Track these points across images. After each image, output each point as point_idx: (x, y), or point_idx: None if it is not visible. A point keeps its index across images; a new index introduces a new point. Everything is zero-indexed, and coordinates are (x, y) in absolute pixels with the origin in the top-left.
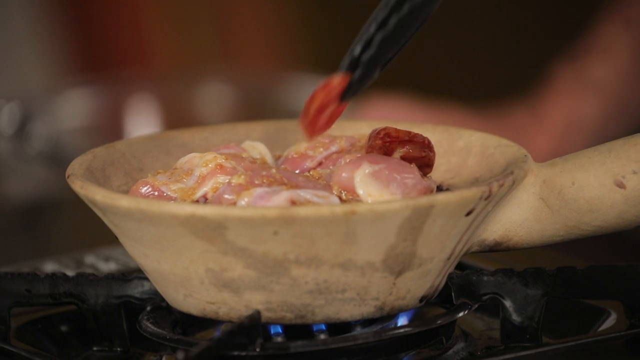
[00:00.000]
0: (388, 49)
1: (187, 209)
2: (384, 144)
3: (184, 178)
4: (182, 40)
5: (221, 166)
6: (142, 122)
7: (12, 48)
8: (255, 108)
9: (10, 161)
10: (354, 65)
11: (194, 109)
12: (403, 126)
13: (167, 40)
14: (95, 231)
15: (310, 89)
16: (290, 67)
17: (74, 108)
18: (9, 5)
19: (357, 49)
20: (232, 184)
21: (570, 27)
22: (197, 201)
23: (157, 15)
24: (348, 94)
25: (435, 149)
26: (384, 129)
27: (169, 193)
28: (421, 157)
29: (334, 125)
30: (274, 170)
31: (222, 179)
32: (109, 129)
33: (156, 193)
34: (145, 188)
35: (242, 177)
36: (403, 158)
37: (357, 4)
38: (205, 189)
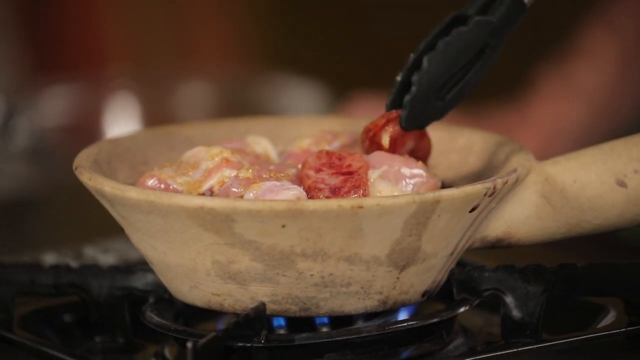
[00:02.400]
0: (439, 69)
1: (196, 201)
2: (369, 139)
3: (190, 171)
4: (139, 40)
5: (227, 160)
6: (122, 119)
7: None
8: (233, 107)
9: None
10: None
11: (174, 107)
12: None
13: (123, 41)
14: (81, 225)
15: (286, 89)
16: (246, 65)
17: (55, 105)
18: None
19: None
20: (240, 178)
21: (556, 31)
22: (203, 194)
23: (114, 15)
24: (403, 117)
25: (436, 146)
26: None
27: (175, 186)
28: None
29: (335, 122)
30: (272, 167)
31: (228, 172)
32: (89, 126)
33: (162, 186)
34: (152, 181)
35: (250, 171)
36: (393, 137)
37: (315, 6)
38: (212, 182)
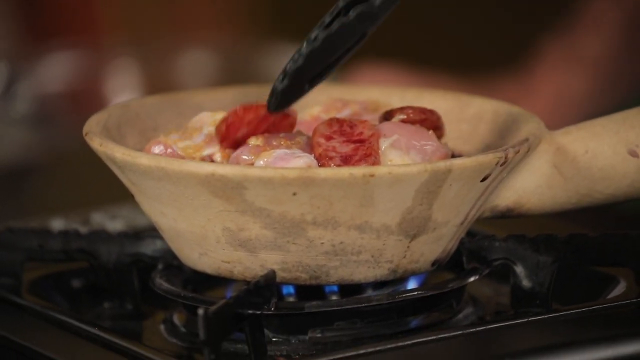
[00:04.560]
0: (315, 63)
1: (207, 168)
2: (385, 114)
3: (193, 135)
4: (140, 7)
5: None
6: (123, 87)
7: None
8: (234, 74)
9: None
10: (283, 77)
11: (174, 74)
12: (412, 92)
13: (124, 8)
14: (88, 192)
15: (288, 57)
16: (248, 32)
17: (56, 71)
18: None
19: (287, 64)
20: (250, 145)
21: (560, 1)
22: (203, 159)
23: None
24: (272, 103)
25: (447, 116)
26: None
27: (178, 151)
28: (422, 120)
29: (345, 90)
30: (282, 134)
31: None
32: (91, 93)
33: (169, 151)
34: (158, 147)
35: (260, 139)
36: (404, 121)
37: None
38: (212, 150)
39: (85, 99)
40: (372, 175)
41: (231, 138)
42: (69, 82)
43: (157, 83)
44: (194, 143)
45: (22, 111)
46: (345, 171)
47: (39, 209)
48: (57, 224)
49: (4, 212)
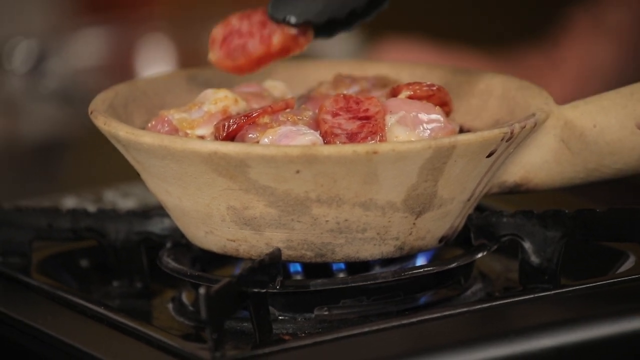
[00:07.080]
0: None
1: (210, 146)
2: (392, 91)
3: (192, 109)
4: None
5: (225, 111)
6: (154, 62)
7: None
8: None
9: (23, 99)
10: None
11: (204, 49)
12: (422, 68)
13: None
14: (108, 169)
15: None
16: None
17: (87, 47)
18: None
19: None
20: (257, 123)
21: None
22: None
23: None
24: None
25: (456, 90)
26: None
27: (173, 122)
28: (429, 96)
29: (355, 66)
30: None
31: None
32: (122, 68)
33: (167, 127)
34: (161, 125)
35: (266, 117)
36: (411, 98)
37: None
38: (204, 131)
39: (117, 75)
40: (375, 152)
41: (228, 137)
42: (100, 58)
43: (190, 58)
44: (191, 117)
45: (51, 87)
46: (349, 148)
47: (60, 185)
48: (70, 201)
49: (18, 188)
